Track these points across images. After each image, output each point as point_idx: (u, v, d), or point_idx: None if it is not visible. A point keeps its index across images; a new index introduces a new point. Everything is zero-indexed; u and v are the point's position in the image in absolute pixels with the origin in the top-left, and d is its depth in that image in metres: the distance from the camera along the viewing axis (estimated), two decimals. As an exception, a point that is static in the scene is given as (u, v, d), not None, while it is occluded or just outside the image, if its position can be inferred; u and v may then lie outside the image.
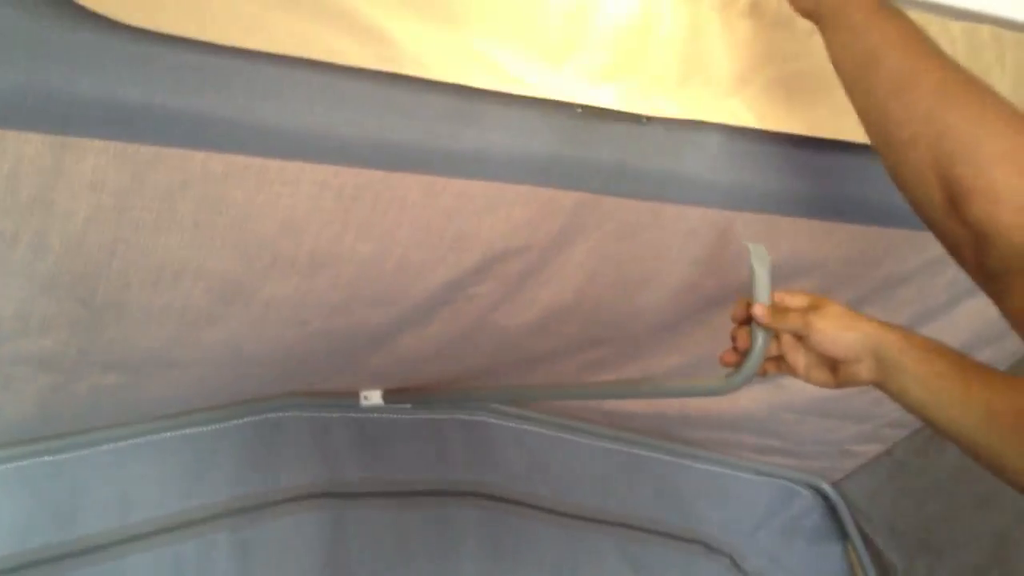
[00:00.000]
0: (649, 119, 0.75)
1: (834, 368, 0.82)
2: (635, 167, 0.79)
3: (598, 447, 1.61)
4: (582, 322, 1.15)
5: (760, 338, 0.84)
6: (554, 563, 1.55)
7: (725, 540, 1.68)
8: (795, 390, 1.35)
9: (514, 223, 0.87)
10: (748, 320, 0.84)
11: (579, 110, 0.73)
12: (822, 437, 1.53)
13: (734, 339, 0.88)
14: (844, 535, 1.71)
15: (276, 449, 1.41)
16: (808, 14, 0.74)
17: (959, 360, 0.75)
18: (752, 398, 1.39)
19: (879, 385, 0.79)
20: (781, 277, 0.98)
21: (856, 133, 0.81)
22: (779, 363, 0.86)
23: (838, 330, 0.79)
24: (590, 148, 0.76)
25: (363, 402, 1.43)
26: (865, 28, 0.68)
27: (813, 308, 0.81)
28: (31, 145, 0.63)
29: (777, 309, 0.83)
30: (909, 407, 0.77)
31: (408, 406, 1.48)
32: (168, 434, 1.30)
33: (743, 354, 0.86)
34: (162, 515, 1.30)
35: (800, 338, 0.82)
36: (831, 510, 1.72)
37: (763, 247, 0.84)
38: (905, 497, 1.57)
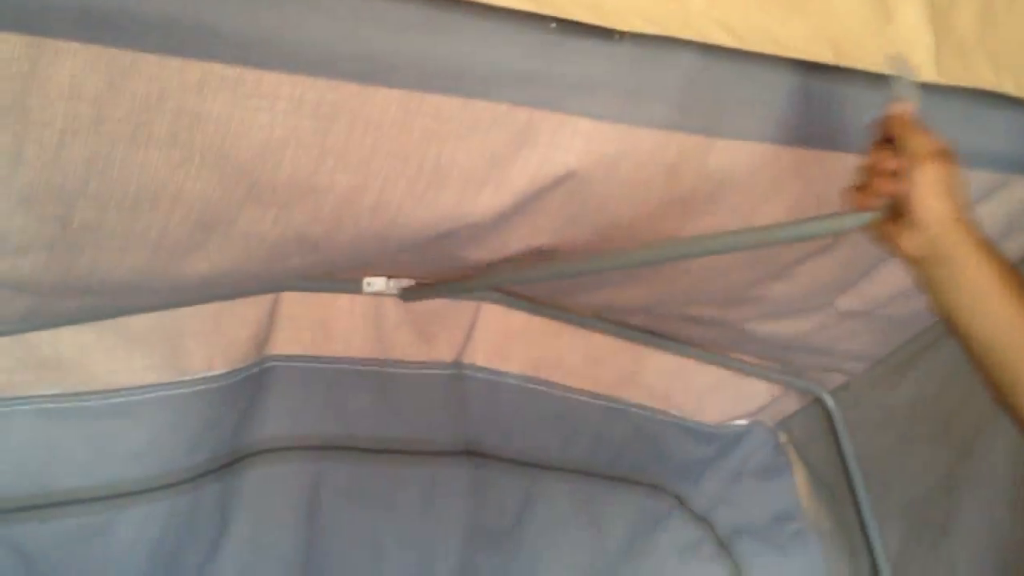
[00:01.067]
0: (622, 35, 0.75)
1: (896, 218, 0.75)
2: (607, 86, 0.80)
3: (571, 399, 1.66)
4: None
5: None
6: (513, 510, 1.63)
7: (673, 482, 1.75)
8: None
9: (490, 151, 0.87)
10: (888, 139, 0.76)
11: (553, 24, 0.73)
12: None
13: (870, 174, 0.76)
14: (793, 471, 1.77)
15: (266, 403, 1.43)
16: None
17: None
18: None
19: (919, 264, 0.75)
20: (748, 201, 0.98)
21: (832, 55, 0.81)
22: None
23: (933, 194, 0.72)
24: (564, 64, 0.76)
25: (366, 288, 1.43)
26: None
27: (939, 153, 0.73)
28: (5, 47, 0.63)
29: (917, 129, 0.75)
30: (944, 304, 0.76)
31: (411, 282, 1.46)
32: (165, 392, 1.30)
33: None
34: (157, 473, 1.31)
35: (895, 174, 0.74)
36: (781, 447, 1.78)
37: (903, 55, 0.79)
38: (858, 431, 1.61)
